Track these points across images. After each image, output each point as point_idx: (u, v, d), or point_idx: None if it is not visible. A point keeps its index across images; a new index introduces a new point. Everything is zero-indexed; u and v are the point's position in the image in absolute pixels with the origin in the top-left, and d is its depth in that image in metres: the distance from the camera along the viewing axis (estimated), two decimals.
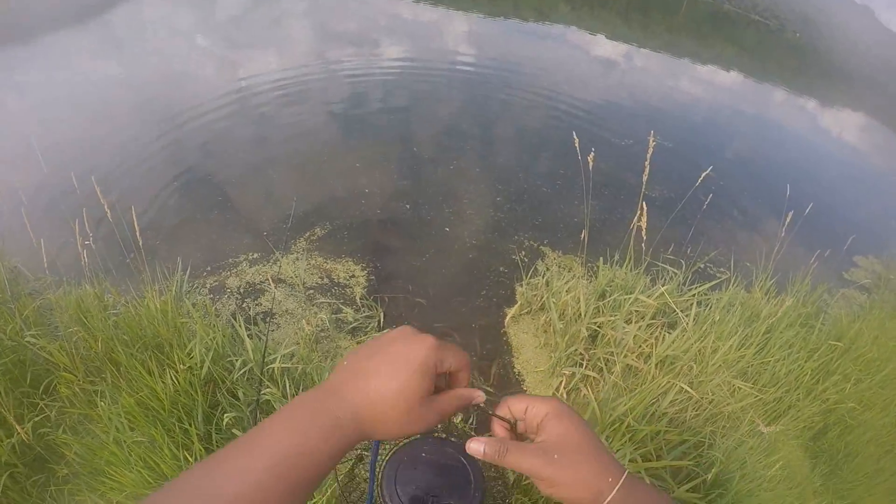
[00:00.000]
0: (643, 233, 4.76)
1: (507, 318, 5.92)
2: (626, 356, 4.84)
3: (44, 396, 4.36)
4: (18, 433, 4.03)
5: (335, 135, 9.75)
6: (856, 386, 5.46)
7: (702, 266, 6.80)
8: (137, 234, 4.48)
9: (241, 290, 6.02)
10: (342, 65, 14.32)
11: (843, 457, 5.19)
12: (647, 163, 4.81)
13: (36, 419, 4.18)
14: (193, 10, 20.71)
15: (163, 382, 4.10)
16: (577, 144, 4.97)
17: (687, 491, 3.91)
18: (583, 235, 5.37)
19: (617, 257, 5.88)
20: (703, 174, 5.13)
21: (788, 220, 5.31)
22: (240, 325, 4.72)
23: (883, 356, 5.77)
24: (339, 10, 23.55)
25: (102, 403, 4.06)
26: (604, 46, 21.05)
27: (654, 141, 4.77)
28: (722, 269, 7.02)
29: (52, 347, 4.43)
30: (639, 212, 4.73)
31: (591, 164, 4.91)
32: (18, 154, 7.79)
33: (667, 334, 4.99)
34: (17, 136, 8.48)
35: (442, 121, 10.82)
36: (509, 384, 5.27)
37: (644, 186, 4.84)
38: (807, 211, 5.66)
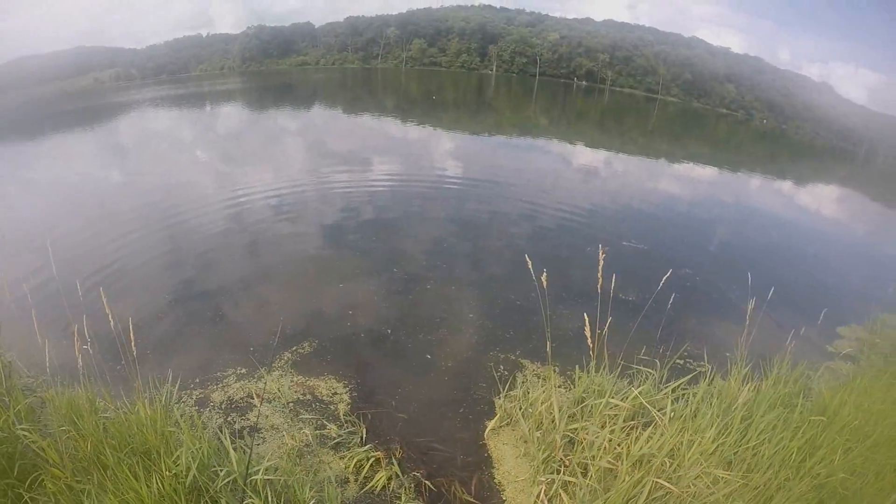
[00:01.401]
0: (595, 342, 4.97)
1: (487, 430, 6.04)
2: (601, 459, 4.90)
3: (30, 489, 4.42)
4: None
5: (322, 252, 10.21)
6: (845, 456, 5.39)
7: (679, 361, 6.97)
8: (133, 345, 4.66)
9: (227, 404, 6.14)
10: (333, 181, 15.02)
11: None
12: (599, 274, 5.11)
13: None
14: (193, 125, 21.56)
15: (148, 487, 4.17)
16: (530, 266, 5.23)
17: None
18: (547, 348, 5.56)
19: (592, 363, 6.07)
20: (665, 277, 5.40)
21: (752, 306, 5.60)
22: (225, 437, 4.85)
23: (869, 422, 5.80)
24: (333, 129, 24.67)
25: (87, 503, 4.12)
26: (583, 155, 22.04)
27: (603, 253, 5.04)
28: (699, 363, 7.13)
29: (43, 443, 4.52)
30: (586, 319, 4.95)
31: (544, 283, 5.14)
32: (25, 248, 8.10)
33: (642, 433, 5.06)
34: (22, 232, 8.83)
35: (424, 239, 11.40)
36: (490, 494, 5.32)
37: (610, 296, 5.09)
38: (769, 296, 6.00)
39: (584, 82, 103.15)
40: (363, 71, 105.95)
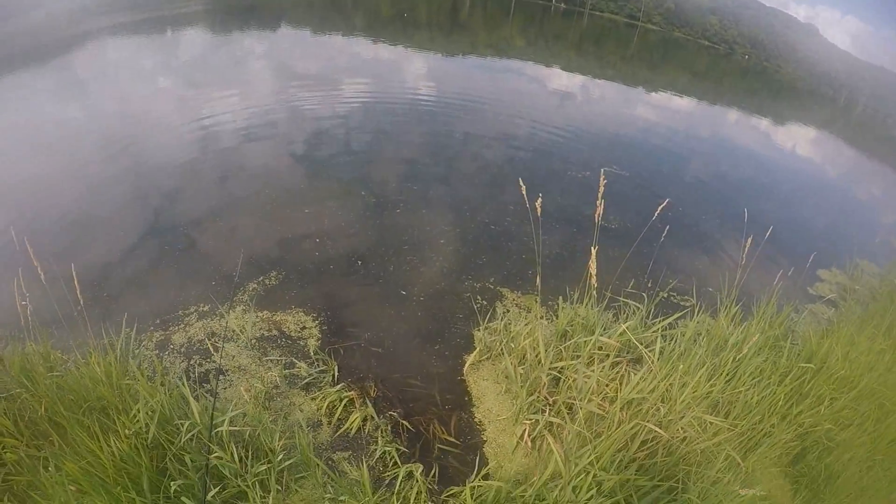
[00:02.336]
0: (592, 278, 4.72)
1: (466, 365, 5.86)
2: (589, 401, 4.78)
3: None
4: None
5: (289, 177, 9.73)
6: (830, 406, 5.52)
7: (665, 296, 6.81)
8: (78, 292, 4.30)
9: (189, 346, 5.83)
10: (301, 104, 14.38)
11: (824, 479, 5.18)
12: (598, 202, 4.81)
13: None
14: (156, 53, 20.72)
15: (108, 447, 3.91)
16: (523, 191, 4.96)
17: None
18: (537, 281, 5.29)
19: (577, 294, 5.85)
20: (660, 206, 5.18)
21: (748, 244, 5.38)
22: (185, 387, 4.50)
23: (855, 373, 5.87)
24: (300, 51, 23.78)
25: (46, 472, 3.88)
26: (560, 78, 21.49)
27: (604, 178, 4.78)
28: (686, 297, 7.03)
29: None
30: (592, 253, 4.67)
31: (538, 210, 4.83)
32: None
33: (633, 374, 4.94)
34: None
35: (395, 161, 11.00)
36: (471, 434, 5.20)
37: (598, 225, 4.81)
38: (766, 235, 5.73)
39: (562, 4, 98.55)
40: None
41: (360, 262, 7.42)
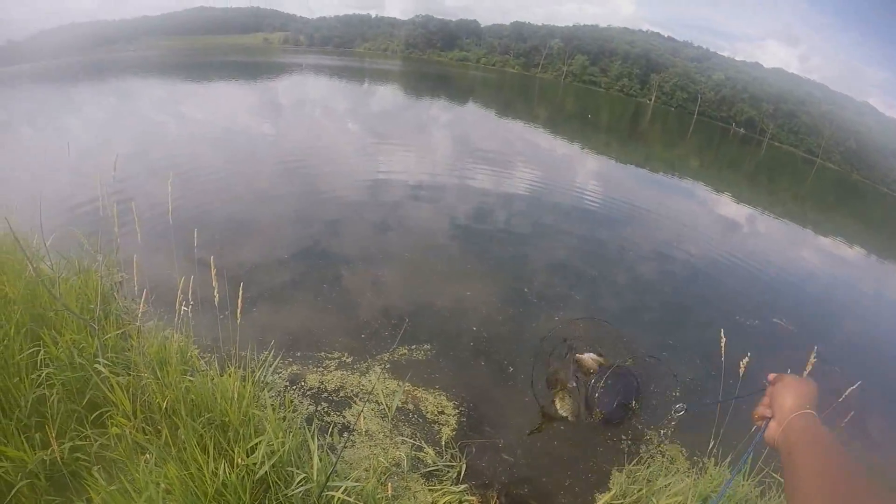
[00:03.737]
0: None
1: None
2: None
3: (94, 424, 4.01)
4: (53, 450, 3.64)
5: (453, 250, 9.52)
6: None
7: None
8: (239, 311, 4.12)
9: (323, 391, 5.52)
10: (474, 179, 14.44)
11: None
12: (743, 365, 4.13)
13: (77, 443, 3.83)
14: (348, 97, 21.79)
15: (215, 468, 3.60)
16: (723, 344, 4.35)
17: None
18: (710, 447, 4.57)
19: (730, 458, 5.09)
20: (849, 389, 4.40)
21: None
22: (312, 439, 4.14)
23: None
24: (482, 128, 24.39)
25: (146, 463, 3.60)
26: (728, 206, 20.70)
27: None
28: None
29: (118, 382, 4.08)
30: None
31: (742, 370, 4.18)
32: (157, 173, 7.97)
33: None
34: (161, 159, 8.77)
35: (556, 257, 10.49)
36: None
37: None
38: None
39: (742, 130, 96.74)
40: (522, 77, 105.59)
41: (511, 368, 6.84)
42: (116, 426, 3.94)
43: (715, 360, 4.51)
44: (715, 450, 5.22)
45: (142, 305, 4.17)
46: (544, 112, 38.26)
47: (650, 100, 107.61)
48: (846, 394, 4.43)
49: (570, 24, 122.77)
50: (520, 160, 19.08)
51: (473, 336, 7.19)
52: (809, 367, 3.95)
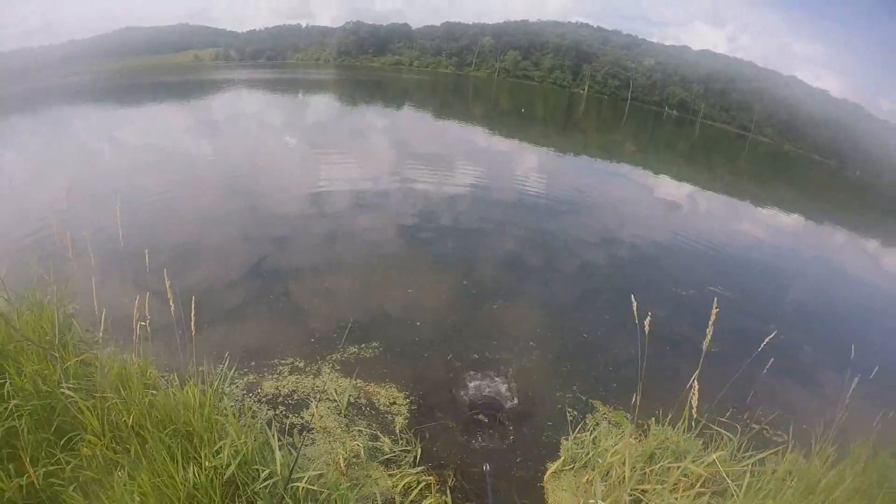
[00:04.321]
0: (694, 410, 4.44)
1: (548, 472, 5.50)
2: None
3: (65, 449, 4.24)
4: (29, 476, 3.90)
5: (396, 252, 9.90)
6: None
7: (757, 427, 6.37)
8: (192, 325, 4.40)
9: (279, 396, 5.84)
10: (414, 182, 14.80)
11: None
12: (708, 330, 4.54)
13: (50, 468, 4.06)
14: (283, 110, 21.87)
15: (185, 472, 3.92)
16: (634, 308, 4.76)
17: None
18: (634, 400, 5.04)
19: (670, 416, 5.56)
20: (767, 339, 4.92)
21: (854, 384, 4.91)
22: (273, 436, 4.51)
23: None
24: (420, 131, 24.73)
25: (119, 475, 3.89)
26: (667, 187, 21.39)
27: (716, 308, 4.53)
28: (779, 433, 6.48)
29: (84, 405, 4.32)
30: (696, 386, 4.42)
31: (647, 328, 4.65)
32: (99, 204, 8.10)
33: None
34: (103, 186, 8.89)
35: (498, 252, 10.95)
36: None
37: (706, 351, 4.55)
38: (872, 374, 5.30)
39: (675, 112, 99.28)
40: (455, 77, 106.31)
41: (450, 356, 7.24)
42: (88, 447, 4.20)
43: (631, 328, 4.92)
44: (656, 411, 5.67)
45: (101, 330, 4.42)
46: (480, 110, 38.84)
47: (583, 90, 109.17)
48: (765, 342, 5.02)
49: (501, 21, 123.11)
50: (459, 159, 19.50)
51: (418, 331, 7.59)
52: (713, 318, 4.36)
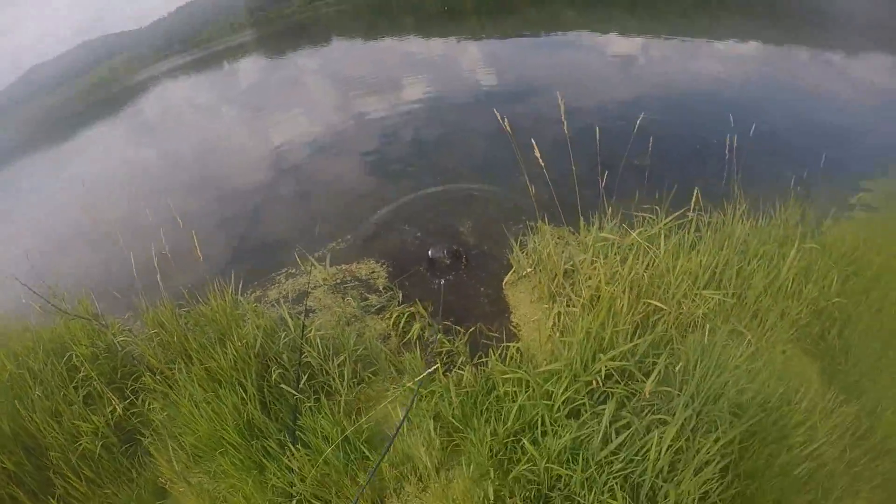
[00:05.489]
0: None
1: (505, 283, 6.92)
2: (593, 279, 5.68)
3: (131, 387, 5.74)
4: (115, 408, 5.41)
5: (359, 173, 10.82)
6: (843, 285, 5.79)
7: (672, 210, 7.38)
8: (199, 252, 5.72)
9: (283, 298, 7.20)
10: (366, 111, 15.16)
11: (841, 352, 5.47)
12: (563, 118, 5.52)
13: (127, 401, 5.57)
14: (214, 86, 21.96)
15: (224, 355, 5.26)
16: (505, 124, 5.65)
17: (654, 383, 4.48)
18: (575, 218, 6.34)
19: (601, 219, 6.53)
20: (638, 119, 6.09)
21: (735, 142, 6.21)
22: (284, 311, 5.99)
23: (870, 251, 6.17)
24: (356, 60, 24.28)
25: (178, 373, 5.32)
26: (618, 44, 20.37)
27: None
28: (700, 214, 7.41)
29: (140, 345, 5.84)
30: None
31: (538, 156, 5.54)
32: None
33: (636, 262, 5.61)
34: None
35: (457, 151, 11.54)
36: (510, 334, 6.21)
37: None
38: (751, 131, 6.36)
39: None
40: None
41: (407, 225, 8.54)
42: (149, 377, 5.61)
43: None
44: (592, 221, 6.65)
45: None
46: (409, 20, 38.01)
47: None
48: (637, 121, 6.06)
49: None
50: (403, 76, 19.09)
51: (379, 218, 8.91)
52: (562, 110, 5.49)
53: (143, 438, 5.38)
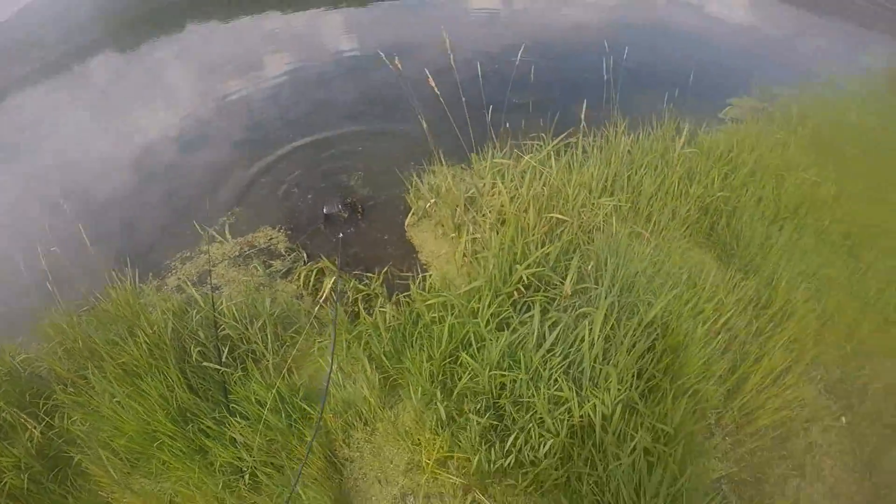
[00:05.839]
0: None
1: (406, 225, 7.08)
2: (495, 199, 6.06)
3: (43, 407, 5.33)
4: (30, 431, 5.05)
5: (234, 154, 10.30)
6: (725, 181, 6.64)
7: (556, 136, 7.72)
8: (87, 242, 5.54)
9: (183, 283, 6.79)
10: (230, 94, 14.56)
11: (732, 239, 6.27)
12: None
13: (43, 424, 5.18)
14: (70, 91, 20.44)
15: (136, 344, 5.09)
16: (396, 62, 5.73)
17: (573, 283, 5.00)
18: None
19: (492, 152, 6.89)
20: (520, 52, 6.40)
21: (611, 64, 6.60)
22: (191, 289, 5.87)
23: (743, 152, 7.07)
24: (214, 43, 23.08)
25: (92, 377, 5.03)
26: None
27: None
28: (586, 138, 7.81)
29: (43, 363, 5.57)
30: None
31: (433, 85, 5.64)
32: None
33: (534, 181, 6.10)
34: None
35: (331, 117, 10.89)
36: (419, 269, 6.40)
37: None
38: (625, 54, 6.88)
39: None
40: None
41: (296, 188, 8.31)
42: (61, 392, 5.30)
43: None
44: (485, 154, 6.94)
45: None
46: None
47: None
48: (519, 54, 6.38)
49: None
50: (266, 53, 18.10)
51: (266, 184, 8.65)
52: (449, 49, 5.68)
53: (71, 457, 5.04)
